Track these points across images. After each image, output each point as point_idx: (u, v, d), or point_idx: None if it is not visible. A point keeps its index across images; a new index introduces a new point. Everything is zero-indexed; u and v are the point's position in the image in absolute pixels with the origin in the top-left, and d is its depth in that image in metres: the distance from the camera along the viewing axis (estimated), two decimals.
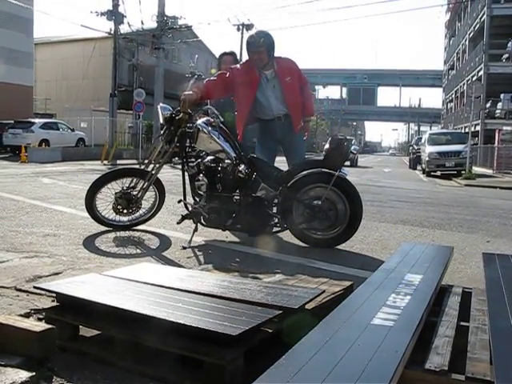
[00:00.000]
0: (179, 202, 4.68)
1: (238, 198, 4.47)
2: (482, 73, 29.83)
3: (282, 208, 4.43)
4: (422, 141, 23.03)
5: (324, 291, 2.47)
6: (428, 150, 19.19)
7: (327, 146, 4.45)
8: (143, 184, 4.73)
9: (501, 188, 13.43)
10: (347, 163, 4.88)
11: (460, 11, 41.15)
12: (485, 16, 30.00)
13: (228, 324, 1.86)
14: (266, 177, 4.47)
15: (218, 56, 5.83)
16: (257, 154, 4.90)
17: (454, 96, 43.31)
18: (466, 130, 27.37)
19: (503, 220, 6.72)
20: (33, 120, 24.07)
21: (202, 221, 4.50)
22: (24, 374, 1.77)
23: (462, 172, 17.30)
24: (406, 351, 1.59)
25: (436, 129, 54.63)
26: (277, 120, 4.89)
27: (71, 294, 2.23)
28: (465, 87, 33.15)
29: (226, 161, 4.47)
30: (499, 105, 30.07)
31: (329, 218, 4.37)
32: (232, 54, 5.70)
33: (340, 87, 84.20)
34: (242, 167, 4.40)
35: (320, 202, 4.33)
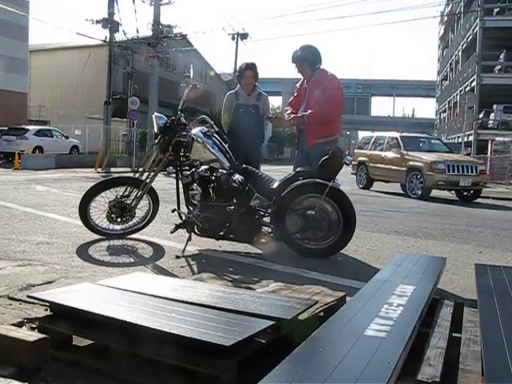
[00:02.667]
0: (173, 211, 4.68)
1: (231, 207, 4.48)
2: (474, 84, 30.00)
3: (276, 218, 4.44)
4: None
5: (317, 302, 2.48)
6: None
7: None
8: (137, 193, 4.73)
9: (493, 198, 13.48)
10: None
11: (453, 23, 41.49)
12: (477, 28, 30.24)
13: (221, 334, 1.87)
14: (260, 186, 4.48)
15: (238, 68, 5.80)
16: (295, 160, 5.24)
17: (447, 106, 43.54)
18: (459, 140, 27.55)
19: (496, 231, 6.75)
20: (27, 127, 23.97)
21: (196, 230, 4.51)
22: None
23: None
24: (398, 362, 1.60)
25: None
26: (302, 131, 5.06)
27: (65, 303, 2.23)
28: (458, 98, 33.36)
29: (220, 170, 4.48)
30: (492, 115, 30.22)
31: (322, 228, 4.39)
32: (252, 67, 5.68)
33: None
34: (236, 177, 4.42)
35: (313, 212, 4.35)
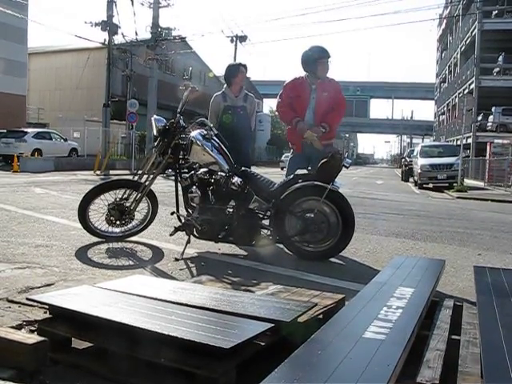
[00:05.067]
0: (172, 213, 4.68)
1: (230, 210, 4.48)
2: (473, 86, 30.06)
3: (275, 220, 4.44)
4: (415, 153, 23.13)
5: (316, 304, 2.47)
6: (420, 162, 19.28)
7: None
8: (136, 195, 4.73)
9: (492, 201, 13.50)
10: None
11: (451, 25, 41.56)
12: (476, 30, 30.31)
13: (220, 337, 1.87)
14: (259, 189, 4.48)
15: (231, 66, 5.59)
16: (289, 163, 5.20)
17: (445, 109, 43.59)
18: (458, 142, 27.56)
19: (494, 233, 6.76)
20: (25, 129, 23.93)
21: (195, 233, 4.50)
22: None
23: (454, 184, 17.37)
24: (397, 365, 1.60)
25: (428, 141, 54.95)
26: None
27: (64, 305, 2.22)
28: (456, 100, 33.43)
29: (219, 173, 4.48)
30: (490, 118, 30.28)
31: (321, 230, 4.39)
32: (245, 65, 5.63)
33: None
34: (235, 179, 4.42)
35: (312, 215, 4.35)
